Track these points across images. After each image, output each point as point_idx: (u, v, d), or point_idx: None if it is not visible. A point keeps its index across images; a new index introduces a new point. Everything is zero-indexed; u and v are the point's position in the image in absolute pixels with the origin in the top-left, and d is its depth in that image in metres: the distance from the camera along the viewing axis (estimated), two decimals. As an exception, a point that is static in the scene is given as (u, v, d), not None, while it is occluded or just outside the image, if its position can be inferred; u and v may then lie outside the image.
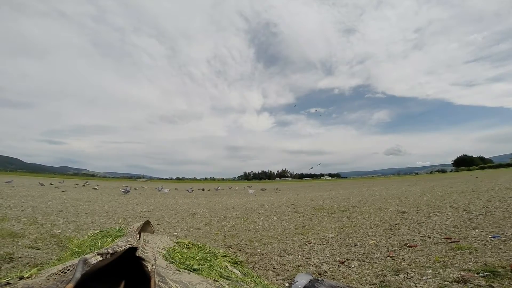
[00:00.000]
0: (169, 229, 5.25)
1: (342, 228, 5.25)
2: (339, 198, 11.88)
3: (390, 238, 4.25)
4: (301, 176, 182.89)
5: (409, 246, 3.61)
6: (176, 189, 24.79)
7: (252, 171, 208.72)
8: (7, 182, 18.89)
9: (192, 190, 19.89)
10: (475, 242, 3.39)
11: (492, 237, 3.58)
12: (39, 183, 21.40)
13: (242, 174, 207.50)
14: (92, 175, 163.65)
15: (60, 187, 20.46)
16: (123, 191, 16.07)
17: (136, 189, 23.04)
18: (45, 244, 3.63)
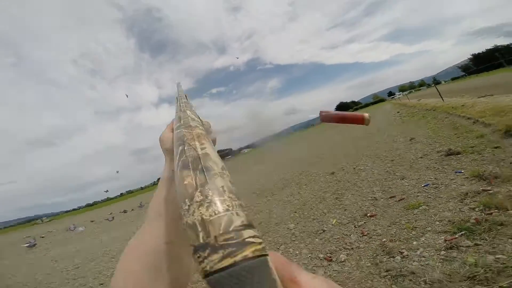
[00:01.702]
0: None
1: (295, 213, 5.26)
2: (269, 173, 12.24)
3: (345, 210, 4.51)
4: (222, 156, 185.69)
5: (369, 216, 3.87)
6: (92, 221, 20.42)
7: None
8: None
9: (113, 218, 17.06)
10: (418, 196, 3.87)
11: (424, 186, 4.15)
12: None
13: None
14: None
15: None
16: (27, 246, 12.75)
17: (42, 237, 17.91)
18: None
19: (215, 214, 0.38)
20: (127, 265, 0.52)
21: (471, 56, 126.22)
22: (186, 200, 0.39)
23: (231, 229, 0.37)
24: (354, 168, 6.96)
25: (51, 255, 9.27)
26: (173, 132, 0.51)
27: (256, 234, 0.39)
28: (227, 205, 0.38)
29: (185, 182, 0.40)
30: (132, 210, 20.02)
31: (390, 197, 4.25)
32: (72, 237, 13.88)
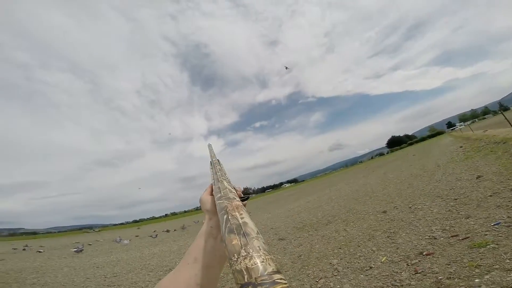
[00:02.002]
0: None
1: (340, 249, 4.94)
2: (312, 208, 11.79)
3: (397, 248, 4.07)
4: (263, 190, 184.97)
5: (426, 255, 3.42)
6: (137, 236, 21.79)
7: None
8: None
9: (157, 235, 17.88)
10: (486, 235, 3.33)
11: (494, 225, 3.58)
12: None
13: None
14: (33, 233, 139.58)
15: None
16: (75, 251, 13.69)
17: (90, 244, 19.58)
18: None
19: (255, 264, 0.68)
20: None
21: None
22: (235, 254, 0.67)
23: (265, 273, 0.68)
24: (410, 207, 6.38)
25: (94, 261, 9.85)
26: (211, 195, 0.66)
27: (283, 277, 0.69)
28: (262, 259, 0.68)
29: (233, 243, 0.67)
30: (175, 230, 20.76)
31: (452, 236, 3.70)
32: (116, 248, 14.69)
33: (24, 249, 20.40)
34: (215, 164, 0.76)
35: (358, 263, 3.94)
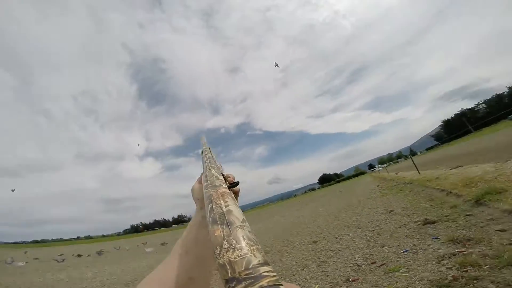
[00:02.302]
0: None
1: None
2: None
3: (327, 276, 4.38)
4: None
5: (352, 281, 3.73)
6: (36, 259, 17.66)
7: (141, 222, 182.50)
8: None
9: (64, 259, 14.89)
10: (398, 261, 3.84)
11: (403, 252, 4.16)
12: None
13: (129, 227, 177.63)
14: None
15: None
16: None
17: None
18: None
19: (238, 257, 0.62)
20: None
21: (441, 123, 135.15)
22: (218, 247, 0.62)
23: (250, 266, 0.62)
24: (336, 238, 6.97)
25: None
26: (201, 184, 0.62)
27: (271, 269, 0.64)
28: (246, 250, 0.62)
29: (215, 234, 0.62)
30: (89, 256, 17.81)
31: (372, 263, 4.18)
32: (5, 270, 11.70)
33: None
34: (205, 152, 0.73)
35: None
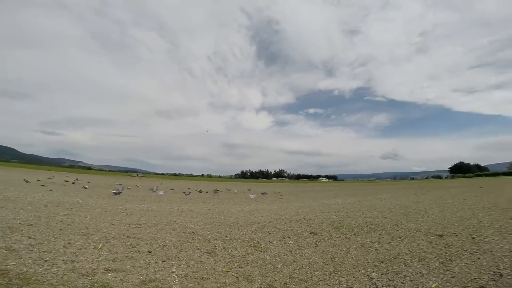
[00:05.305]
0: (162, 262, 4.03)
1: (382, 262, 4.30)
2: (351, 210, 10.78)
3: (452, 277, 3.58)
4: (298, 177, 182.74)
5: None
6: (172, 189, 23.14)
7: (249, 170, 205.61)
8: (-12, 178, 17.22)
9: (189, 193, 18.55)
10: None
11: None
12: (24, 179, 19.61)
13: (239, 172, 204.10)
14: (88, 168, 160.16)
15: (47, 184, 18.77)
16: (114, 193, 14.71)
17: (129, 188, 21.38)
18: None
19: None
20: None
21: None
22: None
23: None
24: (474, 238, 5.71)
25: (126, 207, 10.06)
26: None
27: None
28: None
29: None
30: (207, 192, 21.23)
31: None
32: (150, 196, 15.38)
33: (73, 183, 22.96)
34: None
35: (402, 283, 3.48)
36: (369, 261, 4.36)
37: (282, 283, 3.45)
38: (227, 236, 5.94)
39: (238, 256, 4.57)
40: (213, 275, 3.62)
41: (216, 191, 21.57)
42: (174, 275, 3.47)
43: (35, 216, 6.65)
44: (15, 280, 2.92)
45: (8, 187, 13.93)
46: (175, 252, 4.57)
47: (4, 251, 3.83)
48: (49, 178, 26.06)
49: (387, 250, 4.99)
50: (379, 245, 5.33)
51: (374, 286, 3.35)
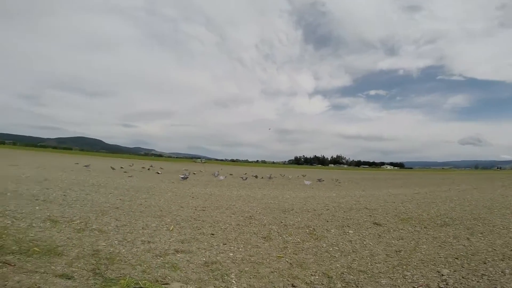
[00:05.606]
0: (223, 244, 4.32)
1: (456, 259, 3.83)
2: (422, 201, 9.72)
3: None
4: (358, 164, 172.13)
5: None
6: (231, 174, 24.57)
7: (303, 156, 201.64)
8: (85, 166, 20.83)
9: (246, 178, 19.53)
10: None
11: None
12: (111, 167, 23.35)
13: (293, 158, 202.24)
14: (159, 155, 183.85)
15: (128, 170, 22.05)
16: (182, 178, 16.32)
17: (194, 173, 23.51)
18: (81, 270, 2.97)
19: None
20: None
21: None
22: None
23: None
24: None
25: (192, 191, 11.05)
26: None
27: None
28: None
29: None
30: (262, 178, 22.05)
31: None
32: (212, 181, 16.77)
33: (148, 169, 26.32)
34: None
35: (478, 282, 3.07)
36: (441, 256, 3.93)
37: (339, 272, 3.34)
38: (282, 222, 6.03)
39: (292, 242, 4.61)
40: (268, 260, 3.73)
41: (270, 177, 22.00)
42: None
43: (120, 200, 7.75)
44: (103, 260, 3.30)
45: (100, 174, 16.68)
46: (235, 236, 4.85)
47: (97, 232, 4.50)
48: (130, 165, 30.16)
49: (464, 246, 4.41)
50: (455, 240, 4.74)
51: (444, 283, 3.01)
